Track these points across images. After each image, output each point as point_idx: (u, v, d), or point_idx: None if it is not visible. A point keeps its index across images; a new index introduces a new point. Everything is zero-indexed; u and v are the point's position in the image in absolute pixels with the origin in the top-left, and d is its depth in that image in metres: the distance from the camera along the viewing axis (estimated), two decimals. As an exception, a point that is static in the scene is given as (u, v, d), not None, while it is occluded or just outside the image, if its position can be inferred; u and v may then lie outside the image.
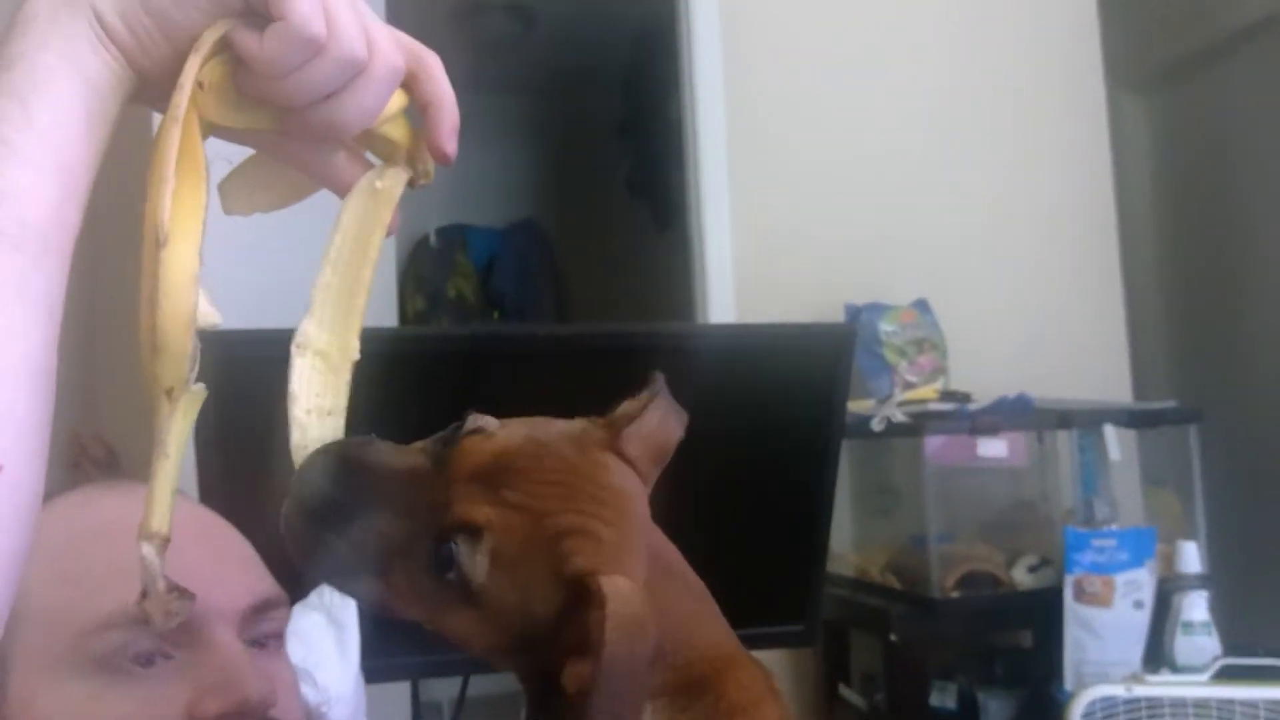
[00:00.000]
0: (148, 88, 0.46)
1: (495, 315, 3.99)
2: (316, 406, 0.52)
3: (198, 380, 0.47)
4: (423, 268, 3.95)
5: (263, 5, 0.45)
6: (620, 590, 0.49)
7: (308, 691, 0.66)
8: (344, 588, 0.55)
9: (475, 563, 0.51)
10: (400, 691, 1.90)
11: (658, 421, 0.59)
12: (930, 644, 1.95)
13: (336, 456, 0.52)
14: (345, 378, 0.52)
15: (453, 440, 0.55)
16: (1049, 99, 2.59)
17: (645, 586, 0.52)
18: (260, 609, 0.63)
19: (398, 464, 0.54)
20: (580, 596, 0.49)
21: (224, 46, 0.47)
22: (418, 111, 0.51)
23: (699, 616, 0.56)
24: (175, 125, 0.45)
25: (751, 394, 1.05)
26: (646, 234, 3.85)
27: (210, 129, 0.49)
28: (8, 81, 0.41)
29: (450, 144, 0.51)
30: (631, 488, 0.57)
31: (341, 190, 0.52)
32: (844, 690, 2.14)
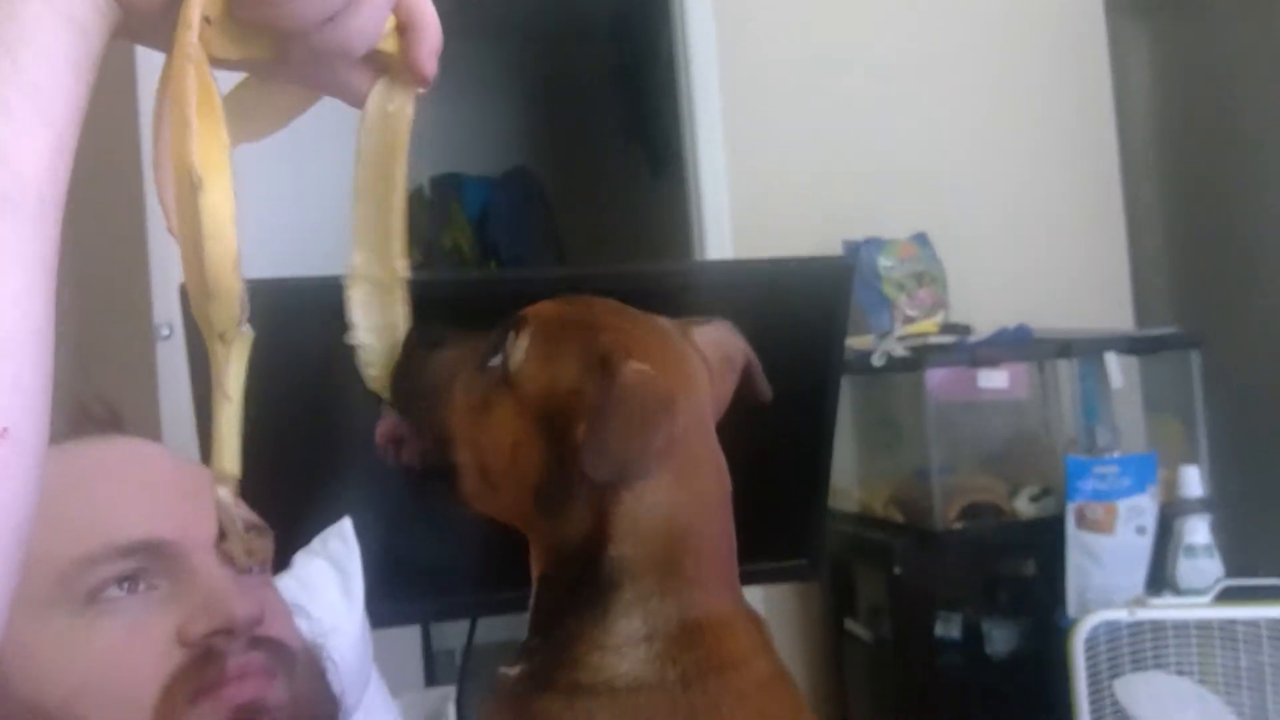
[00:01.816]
0: (132, 21, 0.45)
1: (492, 265, 3.97)
2: (374, 325, 0.55)
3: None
4: (417, 219, 3.91)
5: None
6: (639, 363, 0.54)
7: (303, 624, 0.66)
8: (416, 412, 0.60)
9: (517, 345, 0.58)
10: (413, 640, 1.93)
11: (721, 332, 0.65)
12: (934, 576, 1.96)
13: (430, 326, 0.60)
14: (398, 294, 0.55)
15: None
16: (1048, 27, 2.55)
17: (695, 500, 0.56)
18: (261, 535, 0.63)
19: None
20: (601, 368, 0.54)
21: None
22: (398, 31, 0.49)
23: (724, 564, 0.58)
24: (189, 64, 0.44)
25: (751, 329, 1.04)
26: (641, 179, 3.81)
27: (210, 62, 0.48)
28: None
29: (430, 64, 0.49)
30: (692, 355, 0.61)
31: (352, 99, 0.51)
32: (850, 624, 2.16)
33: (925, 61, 2.48)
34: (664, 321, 0.62)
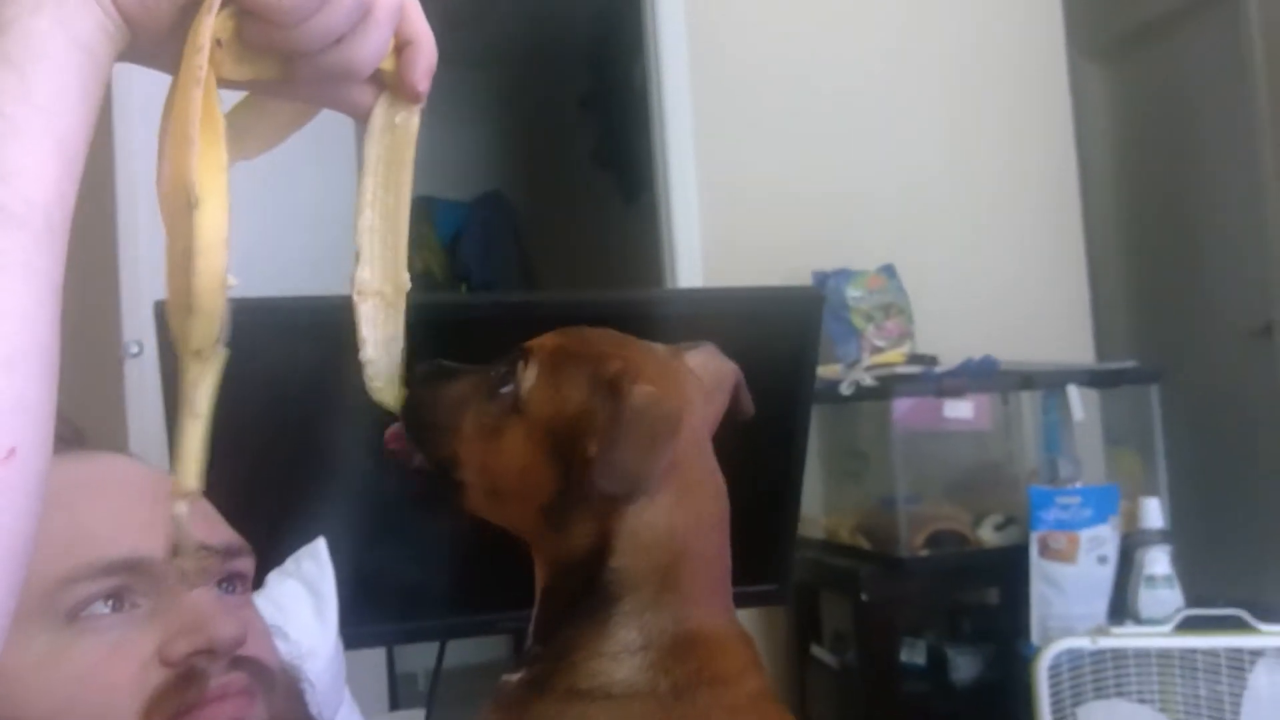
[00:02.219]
0: (138, 45, 0.45)
1: (462, 288, 3.96)
2: (381, 339, 0.55)
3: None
4: (388, 241, 3.90)
5: None
6: (646, 384, 0.57)
7: (281, 645, 0.66)
8: (426, 442, 0.63)
9: (526, 374, 0.62)
10: (377, 663, 1.91)
11: (710, 355, 0.68)
12: (900, 603, 1.98)
13: (437, 363, 0.64)
14: (401, 306, 0.56)
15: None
16: (1012, 66, 2.61)
17: (693, 518, 0.59)
18: (223, 554, 0.63)
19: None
20: (612, 391, 0.57)
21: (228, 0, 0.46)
22: (394, 50, 0.50)
23: (719, 583, 0.60)
24: (196, 87, 0.45)
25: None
26: (612, 206, 3.84)
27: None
28: (3, 50, 0.40)
29: (424, 83, 0.51)
30: (689, 375, 0.64)
31: (356, 113, 0.52)
32: (815, 649, 2.17)
33: (894, 96, 2.52)
34: (658, 346, 0.64)
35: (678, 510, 0.58)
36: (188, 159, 0.45)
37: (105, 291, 1.86)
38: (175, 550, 0.48)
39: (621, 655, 0.55)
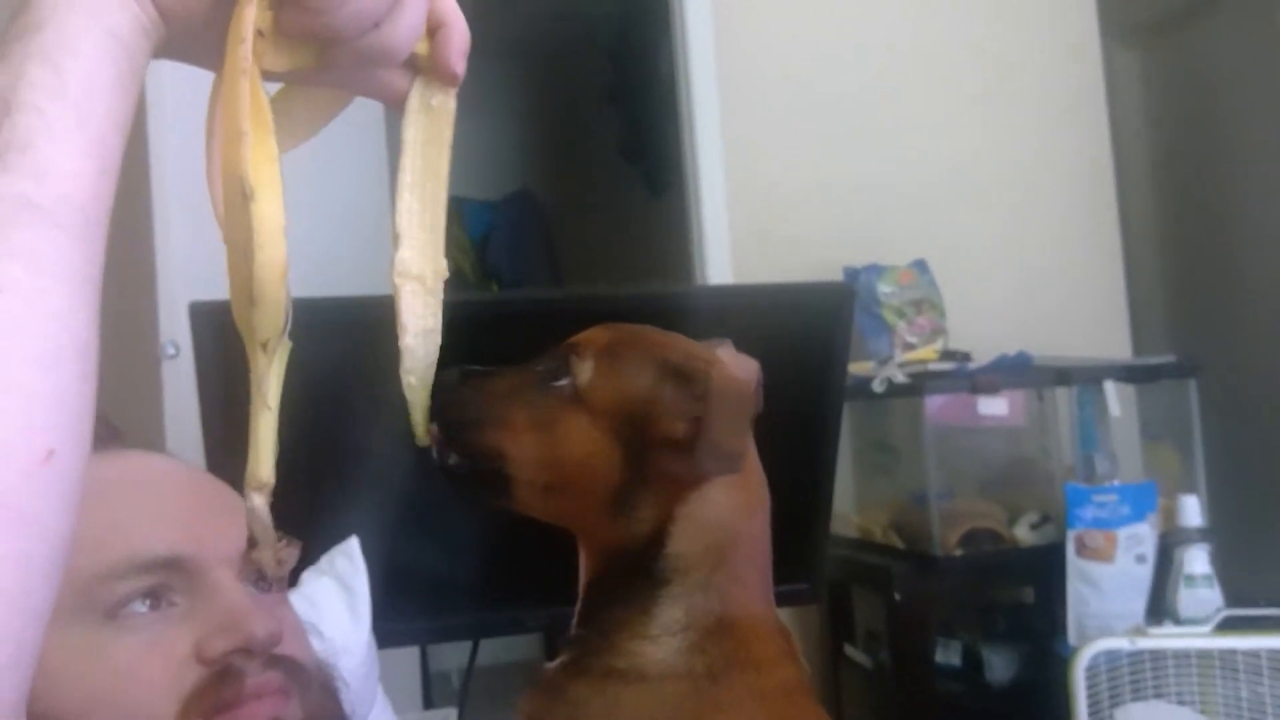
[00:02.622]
0: (174, 39, 0.45)
1: (493, 287, 3.98)
2: (421, 329, 0.54)
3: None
4: (418, 241, 3.93)
5: None
6: (723, 367, 0.59)
7: (316, 643, 0.66)
8: (474, 441, 0.62)
9: (582, 365, 0.62)
10: (410, 663, 1.92)
11: (732, 354, 0.69)
12: (933, 601, 1.96)
13: (467, 370, 0.63)
14: (439, 295, 0.55)
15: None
16: (1044, 54, 2.57)
17: (744, 502, 0.62)
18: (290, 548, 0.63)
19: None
20: (682, 375, 0.59)
21: None
22: (427, 33, 0.50)
23: (762, 567, 0.62)
24: (243, 78, 0.45)
25: (754, 354, 1.05)
26: (640, 200, 3.83)
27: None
28: (38, 44, 0.40)
29: (460, 64, 0.51)
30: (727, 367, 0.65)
31: (393, 99, 0.52)
32: (848, 649, 2.16)
33: (925, 87, 2.50)
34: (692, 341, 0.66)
35: (734, 495, 0.60)
36: (241, 151, 0.45)
37: (141, 293, 1.88)
38: (252, 543, 0.48)
39: (662, 637, 0.56)
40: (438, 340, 0.55)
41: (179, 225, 1.85)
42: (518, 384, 0.63)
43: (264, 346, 0.48)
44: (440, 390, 0.57)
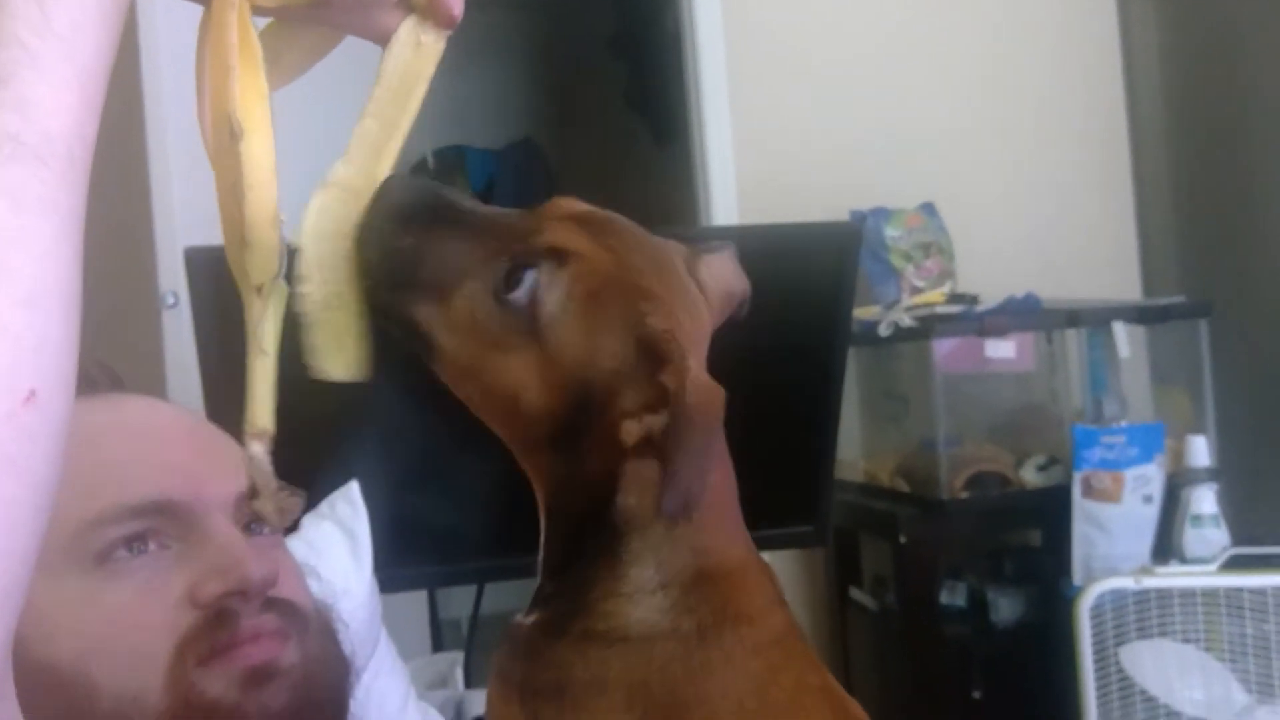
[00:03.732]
0: None
1: (496, 237, 3.96)
2: (331, 232, 0.50)
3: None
4: (421, 192, 3.91)
5: None
6: (699, 373, 0.50)
7: (314, 585, 0.66)
8: (399, 306, 0.52)
9: (554, 289, 0.51)
10: (419, 609, 1.93)
11: (727, 264, 0.60)
12: (939, 545, 1.97)
13: (423, 184, 0.52)
14: (365, 200, 0.51)
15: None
16: (1058, 1, 2.52)
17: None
18: (289, 493, 0.63)
19: (482, 206, 0.54)
20: (654, 357, 0.49)
21: None
22: None
23: (728, 508, 0.57)
24: (232, 11, 0.44)
25: (758, 294, 1.04)
26: (646, 149, 3.79)
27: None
28: None
29: (458, 6, 0.50)
30: (699, 299, 0.57)
31: (386, 40, 0.51)
32: (855, 592, 2.17)
33: (932, 31, 2.45)
34: (676, 253, 0.58)
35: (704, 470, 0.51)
36: (229, 88, 0.44)
37: (140, 243, 1.87)
38: (252, 492, 0.47)
39: (638, 595, 0.51)
40: (348, 243, 0.50)
41: (176, 173, 1.83)
42: (474, 259, 0.51)
43: (258, 290, 0.47)
44: (377, 215, 0.50)
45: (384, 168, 0.51)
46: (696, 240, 0.61)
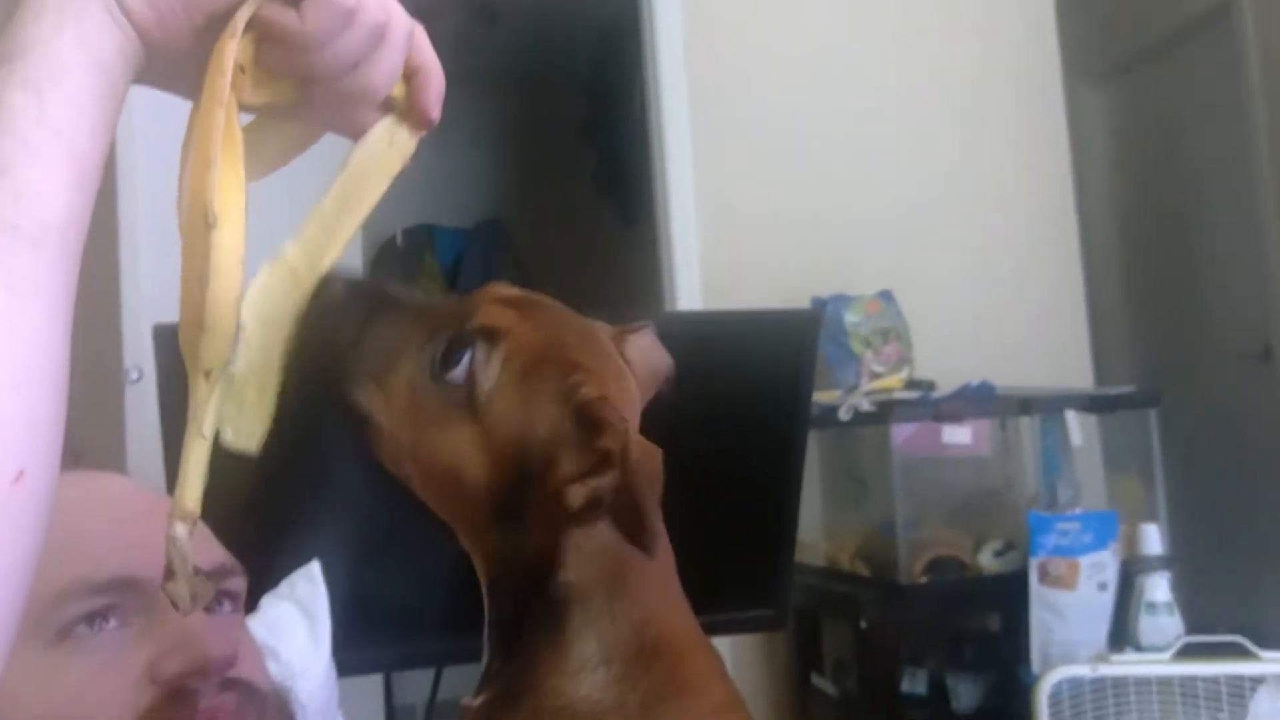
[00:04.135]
0: (154, 66, 0.46)
1: (463, 315, 3.98)
2: (265, 313, 0.51)
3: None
4: (390, 268, 3.93)
5: None
6: (641, 442, 0.51)
7: (272, 666, 0.65)
8: (341, 394, 0.54)
9: (489, 366, 0.52)
10: (375, 695, 1.89)
11: (650, 344, 0.62)
12: (900, 630, 1.97)
13: (360, 279, 0.53)
14: (305, 289, 0.52)
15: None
16: (1008, 92, 2.63)
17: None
18: (214, 574, 0.63)
19: (418, 296, 0.56)
20: (591, 423, 0.51)
21: (249, 26, 0.46)
22: (404, 76, 0.51)
23: (668, 581, 0.57)
24: (220, 109, 0.46)
25: (718, 379, 1.06)
26: (612, 231, 3.85)
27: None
28: (22, 70, 0.40)
29: (436, 109, 0.52)
30: (628, 375, 0.59)
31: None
32: (816, 678, 2.16)
33: (891, 121, 2.54)
34: (603, 334, 0.60)
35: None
36: (208, 178, 0.46)
37: (106, 317, 1.87)
38: (169, 574, 0.47)
39: (582, 672, 0.52)
40: (282, 339, 0.51)
41: (145, 249, 1.84)
42: (410, 343, 0.53)
43: (207, 375, 0.48)
44: (318, 310, 0.51)
45: (331, 256, 0.52)
46: (621, 322, 0.63)
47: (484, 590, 0.56)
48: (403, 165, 0.53)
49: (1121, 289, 2.73)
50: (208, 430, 0.48)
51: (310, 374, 0.53)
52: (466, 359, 0.52)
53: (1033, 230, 2.60)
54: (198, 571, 0.46)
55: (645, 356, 0.62)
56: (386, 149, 0.53)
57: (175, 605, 0.47)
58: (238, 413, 0.51)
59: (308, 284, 0.52)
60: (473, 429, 0.52)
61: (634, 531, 0.49)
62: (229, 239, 0.46)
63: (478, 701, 0.54)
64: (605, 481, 0.50)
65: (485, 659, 0.56)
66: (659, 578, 0.56)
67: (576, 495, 0.50)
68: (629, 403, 0.57)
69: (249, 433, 0.52)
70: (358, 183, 0.53)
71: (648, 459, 0.50)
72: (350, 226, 0.53)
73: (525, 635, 0.53)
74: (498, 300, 0.56)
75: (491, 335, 0.53)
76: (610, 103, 3.64)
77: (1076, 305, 2.61)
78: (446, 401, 0.52)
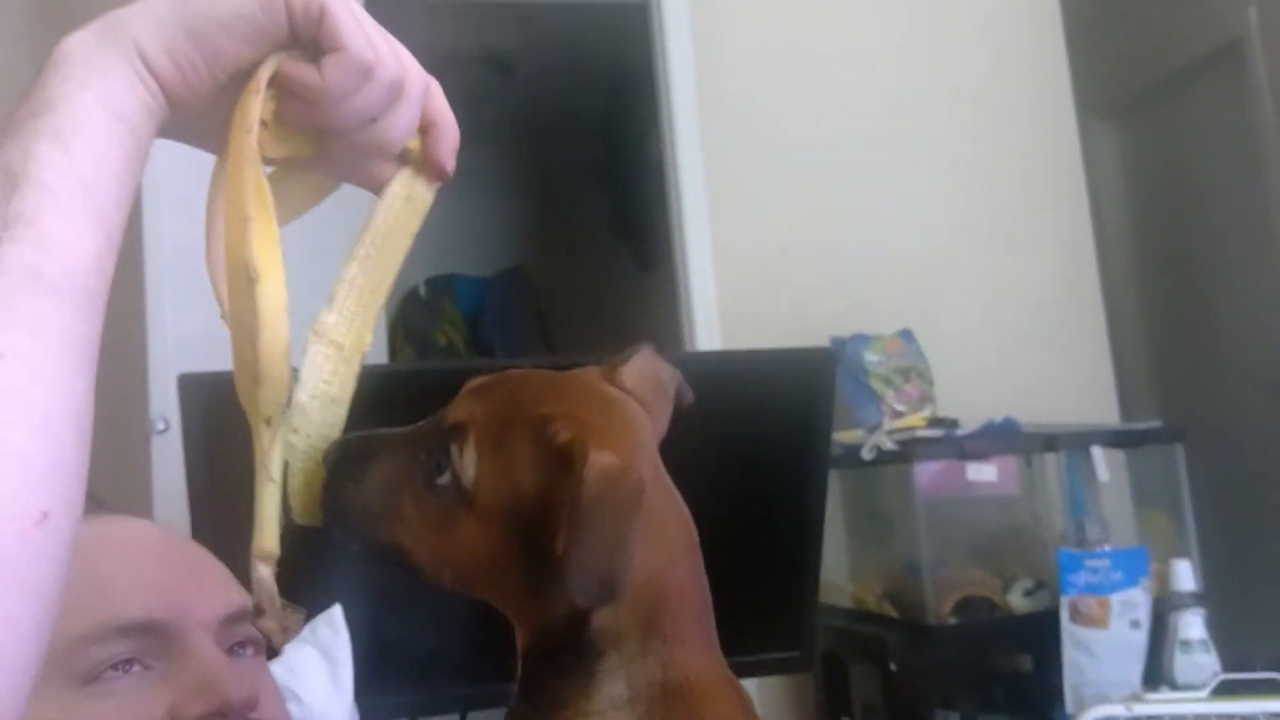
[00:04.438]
0: (176, 120, 0.47)
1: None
2: (323, 393, 0.53)
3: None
4: (412, 318, 3.97)
5: (312, 36, 0.46)
6: (601, 453, 0.51)
7: (293, 709, 0.66)
8: (367, 538, 0.57)
9: (465, 457, 0.55)
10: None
11: (648, 362, 0.63)
12: (929, 672, 1.94)
13: (349, 438, 0.56)
14: (355, 369, 0.54)
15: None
16: (1023, 130, 2.64)
17: (667, 554, 0.55)
18: (236, 618, 0.64)
19: (403, 428, 0.59)
20: (563, 465, 0.51)
21: (270, 82, 0.48)
22: (420, 130, 0.53)
23: (700, 621, 0.57)
24: (248, 165, 0.48)
25: (736, 420, 1.06)
26: (630, 275, 3.87)
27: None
28: (50, 124, 0.42)
29: (450, 162, 0.53)
30: (630, 404, 0.60)
31: (381, 190, 0.54)
32: (845, 723, 2.12)
33: (906, 162, 2.56)
34: (590, 375, 0.61)
35: (651, 554, 0.53)
36: (246, 235, 0.47)
37: (133, 368, 1.89)
38: (258, 611, 0.49)
39: (609, 712, 0.52)
40: (341, 413, 0.54)
41: (171, 301, 1.87)
42: (402, 471, 0.56)
43: (268, 422, 0.50)
44: (329, 464, 0.54)
45: (369, 327, 0.54)
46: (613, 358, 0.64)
47: (519, 644, 0.57)
48: (422, 221, 0.55)
49: (1142, 323, 2.72)
50: (275, 474, 0.50)
51: (347, 531, 0.57)
52: (446, 462, 0.55)
53: (1052, 265, 2.60)
54: (285, 605, 0.48)
55: (645, 378, 0.62)
56: (405, 205, 0.54)
57: (269, 640, 0.50)
58: (304, 488, 0.54)
59: (354, 357, 0.54)
60: (475, 516, 0.54)
61: (565, 569, 0.48)
62: (272, 291, 0.48)
63: None
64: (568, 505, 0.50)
65: (513, 701, 0.57)
66: (691, 616, 0.56)
67: (560, 543, 0.50)
68: (628, 429, 0.58)
69: (312, 507, 0.55)
70: (383, 245, 0.54)
71: (610, 481, 0.50)
72: (383, 291, 0.55)
73: (554, 679, 0.54)
74: (466, 395, 0.58)
75: (459, 430, 0.56)
76: (625, 148, 3.68)
77: (1099, 339, 2.59)
78: (447, 506, 0.55)
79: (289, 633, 0.48)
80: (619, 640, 0.54)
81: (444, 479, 0.55)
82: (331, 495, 0.55)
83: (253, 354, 0.48)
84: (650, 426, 0.60)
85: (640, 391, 0.61)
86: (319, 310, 0.54)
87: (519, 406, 0.56)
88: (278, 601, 0.49)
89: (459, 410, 0.57)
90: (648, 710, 0.53)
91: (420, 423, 0.59)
